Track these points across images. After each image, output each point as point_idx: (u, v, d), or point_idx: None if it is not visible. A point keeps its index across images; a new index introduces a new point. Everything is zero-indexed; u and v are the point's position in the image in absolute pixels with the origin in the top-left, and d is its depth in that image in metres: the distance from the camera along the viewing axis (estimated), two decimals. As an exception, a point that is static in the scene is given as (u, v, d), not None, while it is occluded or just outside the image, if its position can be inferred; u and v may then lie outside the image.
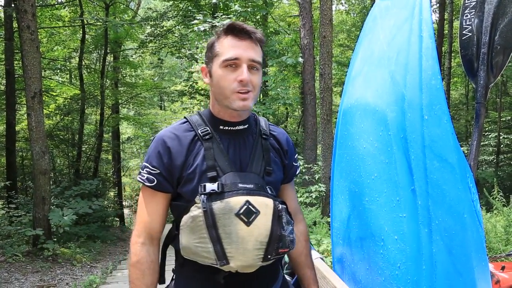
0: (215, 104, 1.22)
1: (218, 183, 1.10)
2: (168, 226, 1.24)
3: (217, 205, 1.07)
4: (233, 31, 1.15)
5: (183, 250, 1.12)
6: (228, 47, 1.14)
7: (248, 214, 1.08)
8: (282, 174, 1.31)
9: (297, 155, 1.42)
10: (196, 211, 1.08)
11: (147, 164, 1.17)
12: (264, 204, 1.11)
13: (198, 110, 1.30)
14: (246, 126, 1.24)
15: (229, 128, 1.21)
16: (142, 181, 1.17)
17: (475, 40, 1.55)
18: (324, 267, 1.77)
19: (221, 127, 1.21)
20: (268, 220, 1.10)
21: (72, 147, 13.57)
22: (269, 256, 1.11)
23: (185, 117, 1.25)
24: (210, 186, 1.10)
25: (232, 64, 1.13)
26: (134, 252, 1.18)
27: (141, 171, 1.18)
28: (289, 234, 1.15)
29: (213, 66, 1.17)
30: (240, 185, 1.11)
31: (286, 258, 2.45)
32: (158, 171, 1.15)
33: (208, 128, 1.19)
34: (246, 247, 1.07)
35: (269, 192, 1.16)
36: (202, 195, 1.08)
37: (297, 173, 1.40)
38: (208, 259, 1.09)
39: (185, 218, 1.10)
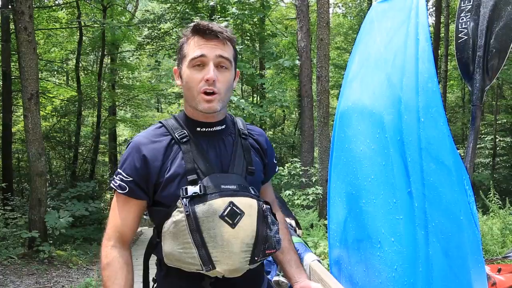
0: (188, 106, 1.19)
1: (200, 185, 1.07)
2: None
3: (200, 208, 1.03)
4: (199, 31, 1.12)
5: (167, 258, 1.08)
6: (194, 46, 1.12)
7: (233, 216, 1.05)
8: (263, 174, 1.29)
9: (275, 153, 1.41)
10: (178, 215, 1.04)
11: (120, 171, 1.14)
12: (248, 205, 1.08)
13: (173, 114, 1.27)
14: (223, 127, 1.22)
15: (207, 130, 1.18)
16: (114, 187, 1.15)
17: (471, 43, 1.56)
18: (321, 269, 1.77)
19: (198, 128, 1.18)
20: (253, 221, 1.07)
21: (68, 149, 13.52)
22: (256, 258, 1.08)
23: (160, 122, 1.21)
24: (192, 189, 1.06)
25: (199, 62, 1.11)
26: (105, 255, 1.14)
27: (115, 177, 1.15)
28: (275, 234, 1.12)
29: (182, 67, 1.15)
30: (223, 186, 1.08)
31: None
32: (131, 179, 1.12)
33: (185, 131, 1.16)
34: (232, 250, 1.04)
35: (252, 192, 1.13)
36: (184, 199, 1.04)
37: (276, 170, 1.39)
38: (194, 265, 1.04)
39: (167, 224, 1.06)
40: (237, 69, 1.25)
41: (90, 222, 10.13)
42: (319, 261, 2.03)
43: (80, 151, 13.45)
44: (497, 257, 3.74)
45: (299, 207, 7.08)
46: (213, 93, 1.11)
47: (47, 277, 5.77)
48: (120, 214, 1.16)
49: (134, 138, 1.17)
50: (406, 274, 1.13)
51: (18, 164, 12.29)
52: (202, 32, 1.12)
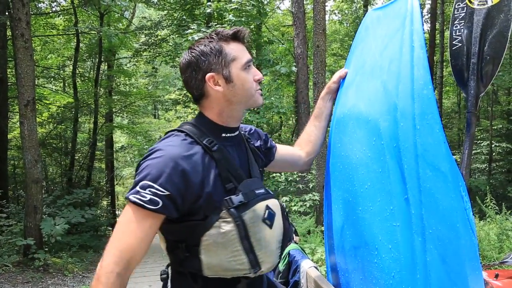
0: (224, 110, 1.17)
1: (241, 194, 1.09)
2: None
3: (247, 216, 1.07)
4: (238, 37, 1.17)
5: (210, 269, 1.07)
6: (241, 50, 1.17)
7: (270, 218, 1.13)
8: (269, 159, 1.41)
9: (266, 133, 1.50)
10: (227, 226, 1.05)
11: (153, 184, 1.00)
12: (276, 205, 1.18)
13: (187, 121, 1.22)
14: (238, 132, 1.24)
15: (231, 135, 1.20)
16: (142, 202, 1.00)
17: (465, 51, 1.57)
18: (319, 276, 1.77)
19: (223, 134, 1.18)
20: (280, 219, 1.18)
21: (65, 155, 13.46)
22: (282, 252, 1.19)
23: (179, 130, 1.15)
24: (237, 198, 1.07)
25: (249, 65, 1.18)
26: (106, 283, 0.96)
27: (141, 190, 1.01)
28: (291, 227, 1.27)
29: (232, 70, 1.14)
30: (256, 191, 1.14)
31: (280, 267, 2.45)
32: (168, 193, 1.01)
33: (211, 138, 1.13)
34: (271, 249, 1.13)
35: (271, 192, 1.22)
36: (232, 209, 1.05)
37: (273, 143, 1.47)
38: (242, 271, 1.08)
39: (209, 236, 1.05)
40: None
41: (86, 229, 10.05)
42: (316, 268, 2.03)
43: (77, 157, 13.38)
44: (494, 262, 3.74)
45: (296, 213, 7.07)
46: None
47: (42, 285, 5.71)
48: (139, 233, 1.02)
49: (164, 148, 1.06)
50: (404, 281, 1.12)
51: (14, 170, 12.21)
52: (241, 38, 1.18)
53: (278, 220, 1.16)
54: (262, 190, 1.15)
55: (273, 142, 1.46)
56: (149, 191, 1.01)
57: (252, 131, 1.38)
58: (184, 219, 1.08)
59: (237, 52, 1.15)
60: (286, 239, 1.20)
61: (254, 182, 1.16)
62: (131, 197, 1.02)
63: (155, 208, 1.01)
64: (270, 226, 1.12)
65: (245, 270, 1.08)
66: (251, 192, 1.11)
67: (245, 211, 1.07)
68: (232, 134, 1.21)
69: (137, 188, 1.02)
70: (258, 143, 1.35)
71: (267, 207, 1.13)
